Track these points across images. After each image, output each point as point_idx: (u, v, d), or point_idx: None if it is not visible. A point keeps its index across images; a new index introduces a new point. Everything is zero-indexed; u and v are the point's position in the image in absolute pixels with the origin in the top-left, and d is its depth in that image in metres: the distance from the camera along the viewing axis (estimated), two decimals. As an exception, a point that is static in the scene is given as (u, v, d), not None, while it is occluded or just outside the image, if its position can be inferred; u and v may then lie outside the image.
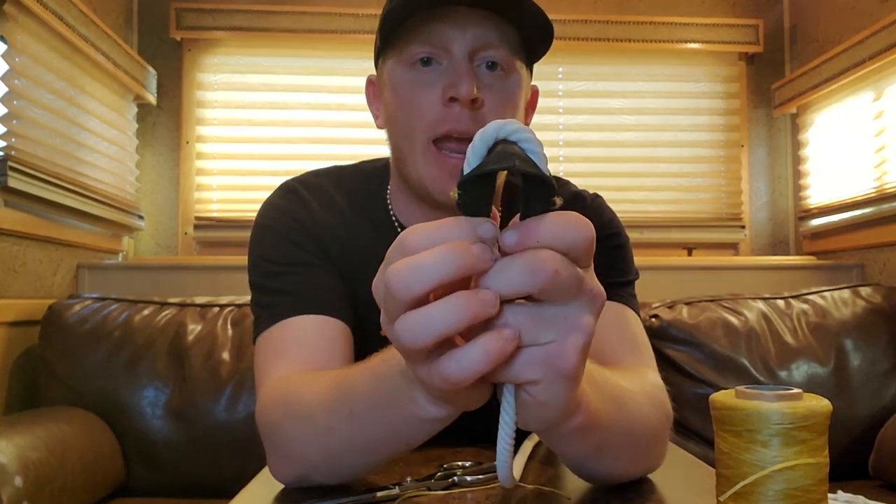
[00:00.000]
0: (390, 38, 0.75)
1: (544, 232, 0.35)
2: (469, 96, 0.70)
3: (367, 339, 0.75)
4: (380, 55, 0.79)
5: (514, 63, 0.74)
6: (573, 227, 0.36)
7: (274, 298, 0.79)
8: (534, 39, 0.75)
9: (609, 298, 0.77)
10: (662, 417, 0.65)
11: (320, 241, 0.81)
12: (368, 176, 0.89)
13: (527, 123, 0.82)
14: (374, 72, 0.84)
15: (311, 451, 0.58)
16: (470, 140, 0.37)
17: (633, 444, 0.59)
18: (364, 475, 0.60)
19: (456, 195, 0.34)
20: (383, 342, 0.78)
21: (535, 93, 0.84)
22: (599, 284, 0.40)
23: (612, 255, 0.84)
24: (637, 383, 0.63)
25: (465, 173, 0.34)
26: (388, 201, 0.86)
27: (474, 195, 0.35)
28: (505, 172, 0.34)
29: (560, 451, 0.56)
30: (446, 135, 0.72)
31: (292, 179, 0.87)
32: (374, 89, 0.84)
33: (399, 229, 0.82)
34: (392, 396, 0.47)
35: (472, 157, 0.34)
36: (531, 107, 0.84)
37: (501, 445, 0.41)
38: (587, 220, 0.37)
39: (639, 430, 0.59)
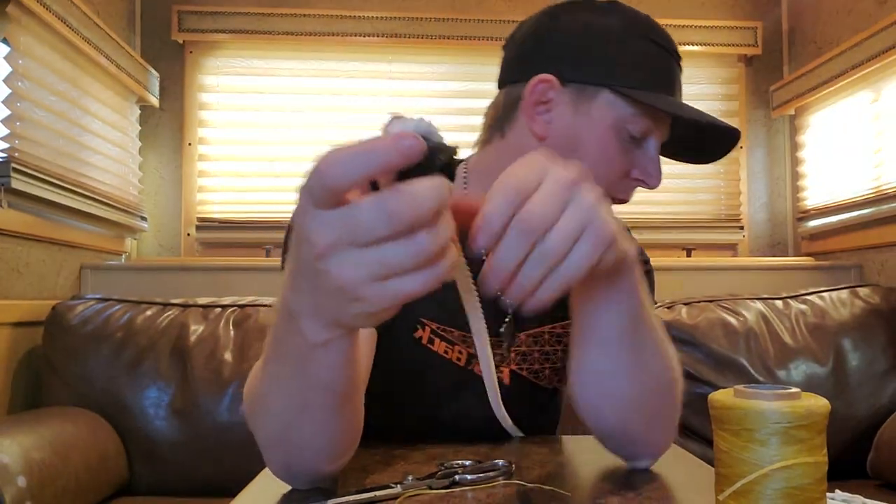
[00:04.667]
0: (630, 89, 0.74)
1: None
2: (653, 188, 0.78)
3: (398, 340, 0.78)
4: (603, 83, 0.75)
5: None
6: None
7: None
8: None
9: None
10: (679, 394, 0.68)
11: None
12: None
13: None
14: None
15: (270, 433, 0.59)
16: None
17: (657, 377, 0.63)
18: (322, 448, 0.58)
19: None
20: (414, 345, 0.79)
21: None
22: None
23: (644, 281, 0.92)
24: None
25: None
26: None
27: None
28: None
29: (598, 326, 0.59)
30: (609, 198, 0.76)
31: None
32: (547, 94, 0.77)
33: None
34: (286, 339, 0.48)
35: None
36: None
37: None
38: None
39: (665, 368, 0.64)
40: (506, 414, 0.81)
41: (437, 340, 0.81)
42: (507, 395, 0.82)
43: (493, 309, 0.74)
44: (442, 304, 0.79)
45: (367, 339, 0.74)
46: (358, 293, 0.37)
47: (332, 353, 0.47)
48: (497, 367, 0.82)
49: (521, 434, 0.84)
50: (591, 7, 0.79)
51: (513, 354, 0.85)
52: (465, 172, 0.85)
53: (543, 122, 0.77)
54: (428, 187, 0.35)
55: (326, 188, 0.35)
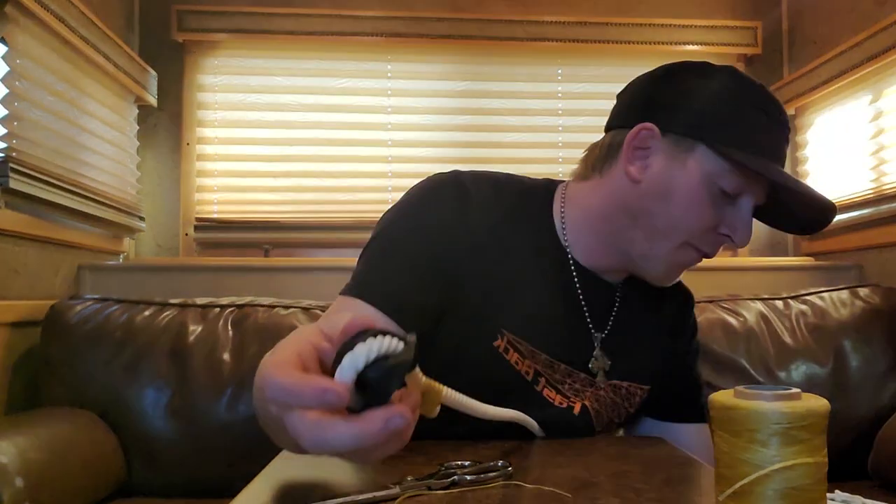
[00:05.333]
0: (725, 147, 0.77)
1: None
2: (741, 246, 0.81)
3: (479, 347, 0.81)
4: (700, 136, 0.78)
5: None
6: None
7: (366, 276, 0.81)
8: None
9: (700, 420, 0.96)
10: None
11: (463, 244, 0.82)
12: (531, 190, 0.91)
13: None
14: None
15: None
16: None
17: None
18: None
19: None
20: (492, 354, 0.82)
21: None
22: None
23: (700, 381, 1.00)
24: None
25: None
26: (563, 226, 0.88)
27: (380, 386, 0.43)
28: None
29: None
30: (695, 249, 0.82)
31: (463, 172, 0.87)
32: (646, 142, 0.81)
33: (569, 254, 0.87)
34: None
35: (348, 367, 0.43)
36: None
37: None
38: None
39: None
40: (531, 420, 0.81)
41: (511, 350, 0.83)
42: (570, 422, 0.86)
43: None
44: (520, 316, 0.82)
45: None
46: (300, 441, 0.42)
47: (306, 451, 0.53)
48: (575, 395, 0.87)
49: (542, 434, 0.84)
50: (706, 68, 0.83)
51: (591, 390, 0.88)
52: (562, 199, 0.90)
53: (640, 167, 0.81)
54: (341, 438, 0.41)
55: (267, 397, 0.44)
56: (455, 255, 0.81)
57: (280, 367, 0.43)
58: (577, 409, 0.86)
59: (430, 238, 0.81)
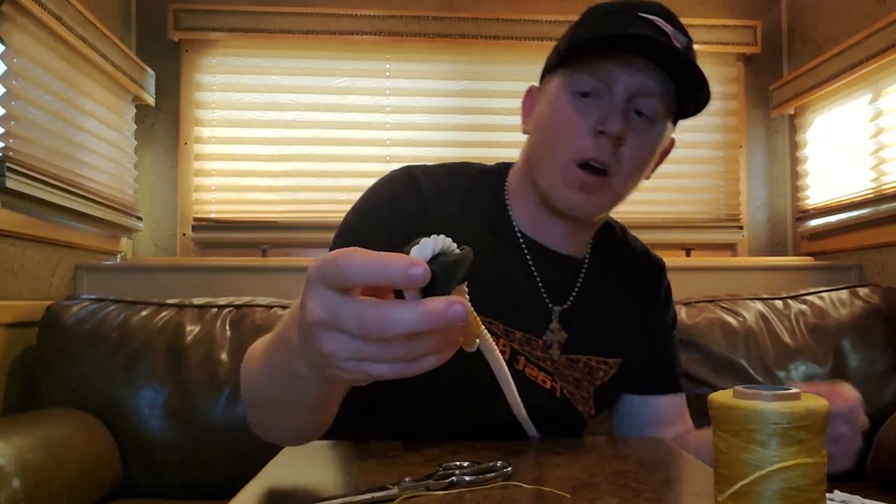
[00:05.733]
0: (564, 61, 0.83)
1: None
2: (617, 134, 0.78)
3: None
4: (548, 72, 0.87)
5: (661, 114, 0.82)
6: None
7: None
8: (686, 98, 0.83)
9: (676, 391, 0.98)
10: None
11: (420, 232, 0.82)
12: (483, 172, 0.94)
13: (653, 169, 0.90)
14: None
15: (254, 403, 0.67)
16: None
17: None
18: (298, 433, 0.67)
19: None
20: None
21: (671, 143, 0.91)
22: None
23: (675, 350, 1.01)
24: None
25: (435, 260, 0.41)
26: (507, 200, 0.91)
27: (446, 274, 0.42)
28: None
29: None
30: (587, 161, 0.80)
31: (413, 166, 0.91)
32: (531, 98, 0.91)
33: (515, 226, 0.90)
34: (279, 354, 0.54)
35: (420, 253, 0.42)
36: (664, 155, 0.91)
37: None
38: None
39: None
40: (531, 424, 0.81)
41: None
42: (546, 402, 0.86)
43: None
44: (491, 296, 0.82)
45: None
46: (336, 364, 0.42)
47: (312, 385, 0.54)
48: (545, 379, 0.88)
49: (537, 435, 0.84)
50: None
51: (549, 365, 0.88)
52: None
53: (527, 121, 0.90)
54: (405, 315, 0.39)
55: (337, 277, 0.40)
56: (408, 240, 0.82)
57: (348, 251, 0.41)
58: (558, 391, 0.88)
59: (387, 223, 0.83)
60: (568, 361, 0.89)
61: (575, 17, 0.87)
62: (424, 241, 0.42)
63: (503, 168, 0.95)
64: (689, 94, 0.82)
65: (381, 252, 0.40)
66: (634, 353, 0.94)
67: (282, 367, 0.53)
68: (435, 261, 0.41)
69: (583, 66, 0.80)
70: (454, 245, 0.43)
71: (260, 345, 0.66)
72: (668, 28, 0.79)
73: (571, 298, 0.90)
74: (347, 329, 0.40)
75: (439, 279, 0.40)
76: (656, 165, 0.90)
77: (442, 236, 0.43)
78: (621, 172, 0.81)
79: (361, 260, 0.39)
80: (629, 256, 0.99)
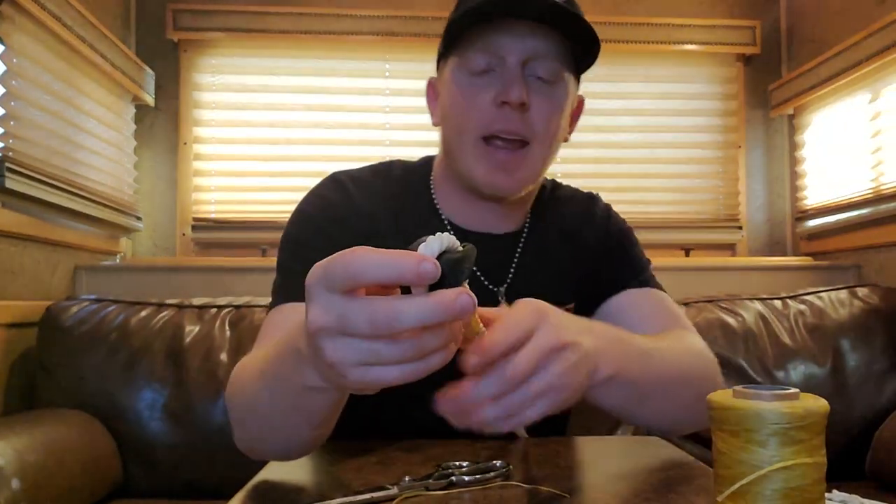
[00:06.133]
0: (453, 45, 0.83)
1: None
2: (518, 101, 0.78)
3: None
4: (441, 59, 0.88)
5: (562, 73, 0.82)
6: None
7: (285, 280, 0.83)
8: (582, 52, 0.82)
9: (641, 286, 0.91)
10: (702, 366, 0.79)
11: (358, 233, 0.83)
12: (410, 170, 0.95)
13: (570, 130, 0.90)
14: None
15: (247, 421, 0.66)
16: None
17: (672, 392, 0.72)
18: (293, 449, 0.65)
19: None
20: None
21: (580, 102, 0.91)
22: None
23: (631, 253, 0.97)
24: (670, 339, 0.78)
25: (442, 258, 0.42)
26: (433, 193, 0.92)
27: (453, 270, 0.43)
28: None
29: (601, 404, 0.66)
30: (496, 134, 0.80)
31: (340, 172, 0.92)
32: (433, 90, 0.93)
33: (444, 218, 0.90)
34: (286, 364, 0.53)
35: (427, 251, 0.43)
36: (576, 115, 0.90)
37: None
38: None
39: (674, 379, 0.72)
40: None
41: None
42: None
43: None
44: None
45: None
46: (343, 372, 0.42)
47: (320, 396, 0.53)
48: None
49: (525, 435, 0.83)
50: None
51: None
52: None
53: (436, 114, 0.91)
54: (415, 306, 0.39)
55: (344, 277, 0.40)
56: (350, 242, 0.82)
57: (352, 251, 0.41)
58: None
59: (326, 232, 0.84)
60: None
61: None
62: (430, 239, 0.43)
63: (428, 161, 0.96)
64: (583, 48, 0.82)
65: (388, 250, 0.40)
66: (588, 282, 0.93)
67: (289, 378, 0.53)
68: (441, 258, 0.42)
69: (473, 45, 0.80)
70: (457, 242, 0.44)
71: (254, 360, 0.65)
72: None
73: (511, 273, 0.90)
74: (356, 329, 0.40)
75: (447, 275, 0.41)
76: (571, 126, 0.90)
77: (447, 234, 0.43)
78: (536, 138, 0.81)
79: (372, 258, 0.39)
80: (560, 206, 0.98)
